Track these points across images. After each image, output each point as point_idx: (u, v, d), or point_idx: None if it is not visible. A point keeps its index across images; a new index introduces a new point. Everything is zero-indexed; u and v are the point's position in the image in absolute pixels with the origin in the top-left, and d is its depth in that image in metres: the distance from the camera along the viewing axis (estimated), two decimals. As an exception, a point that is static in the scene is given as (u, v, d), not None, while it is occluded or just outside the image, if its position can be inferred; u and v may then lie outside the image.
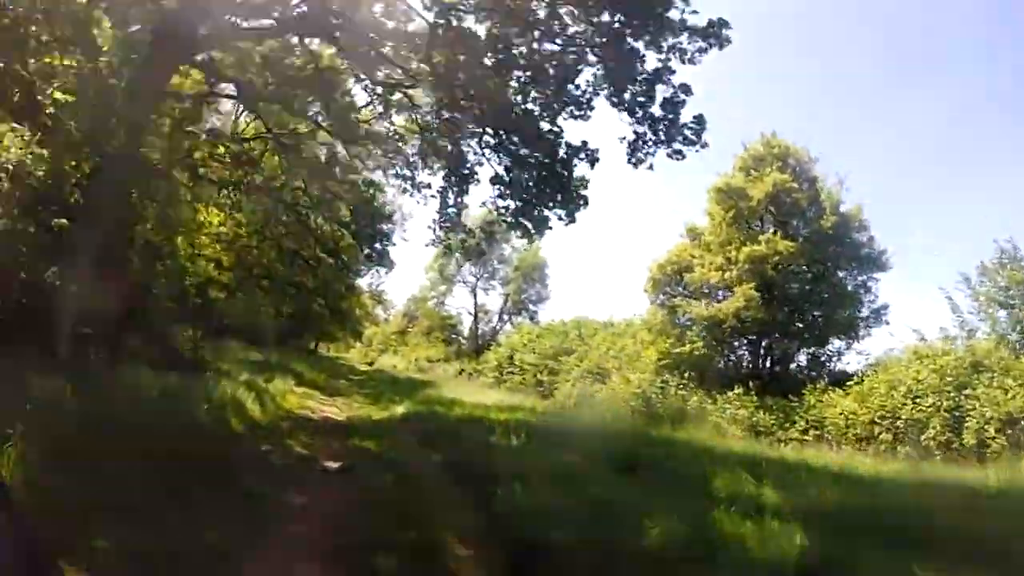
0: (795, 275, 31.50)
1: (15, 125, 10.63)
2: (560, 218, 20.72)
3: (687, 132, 17.06)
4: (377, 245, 19.79)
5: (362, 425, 16.92)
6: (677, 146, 17.12)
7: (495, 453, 11.67)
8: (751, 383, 28.31)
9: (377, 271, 60.45)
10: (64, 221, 11.28)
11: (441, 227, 21.08)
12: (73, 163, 12.60)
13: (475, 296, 65.64)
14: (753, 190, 31.75)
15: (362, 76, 20.50)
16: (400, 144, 21.12)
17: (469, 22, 17.97)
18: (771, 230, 31.74)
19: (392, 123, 21.58)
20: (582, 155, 19.31)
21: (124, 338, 16.70)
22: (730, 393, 28.26)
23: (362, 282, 63.53)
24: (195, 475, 7.53)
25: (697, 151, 17.40)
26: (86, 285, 13.55)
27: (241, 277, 44.39)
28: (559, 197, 20.05)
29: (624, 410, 29.91)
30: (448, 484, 10.09)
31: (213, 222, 21.46)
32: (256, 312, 49.98)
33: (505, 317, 65.43)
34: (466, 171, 20.99)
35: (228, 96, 21.10)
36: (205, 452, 8.68)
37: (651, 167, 17.68)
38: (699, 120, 17.11)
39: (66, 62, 11.50)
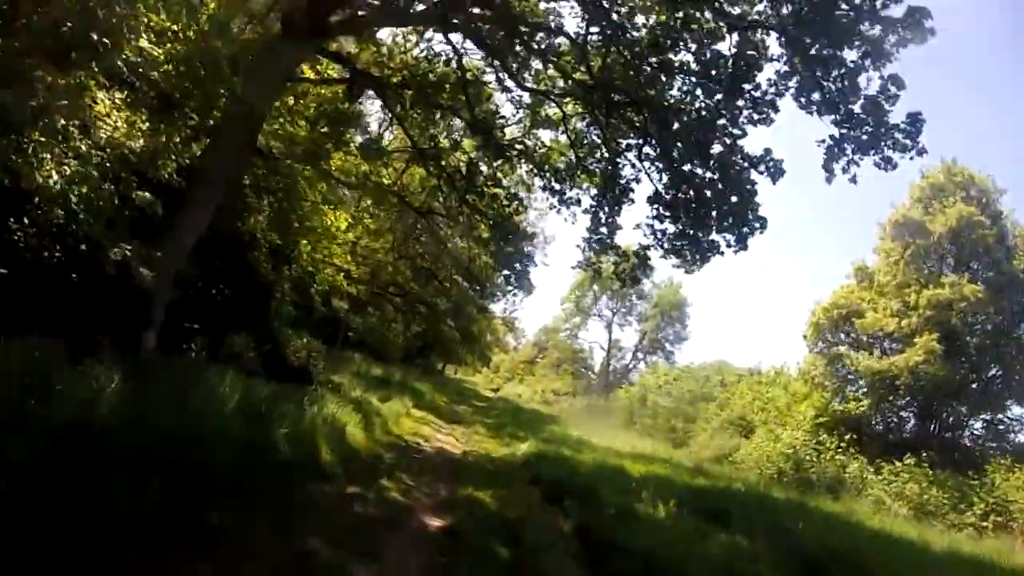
0: (977, 327, 26.79)
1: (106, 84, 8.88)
2: (729, 244, 17.71)
3: (898, 135, 13.64)
4: (516, 266, 17.45)
5: (479, 464, 14.39)
6: (887, 152, 13.72)
7: (642, 530, 8.80)
8: (921, 452, 23.88)
9: (513, 296, 58.87)
10: (153, 198, 9.43)
11: (591, 247, 18.38)
12: (177, 139, 10.85)
13: (610, 331, 62.70)
14: (933, 224, 27.36)
15: (509, 84, 18.32)
16: (548, 157, 18.67)
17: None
18: (951, 272, 27.21)
19: (539, 138, 19.24)
20: (762, 167, 16.24)
21: (230, 338, 15.13)
22: (897, 463, 23.93)
23: (496, 307, 62.26)
24: (228, 525, 5.21)
25: (912, 158, 13.91)
26: (181, 274, 11.98)
27: (373, 291, 43.74)
28: (730, 219, 17.03)
29: (769, 470, 26.18)
30: (582, 570, 7.33)
31: (341, 226, 19.72)
32: (386, 328, 49.49)
33: (639, 355, 62.03)
34: (621, 186, 18.34)
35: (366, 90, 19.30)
36: (257, 493, 6.36)
37: (854, 179, 14.40)
38: (914, 120, 13.64)
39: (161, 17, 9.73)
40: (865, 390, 26.48)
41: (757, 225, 16.75)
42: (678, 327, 60.04)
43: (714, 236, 17.67)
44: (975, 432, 27.99)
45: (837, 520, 15.05)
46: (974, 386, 26.29)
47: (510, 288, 20.02)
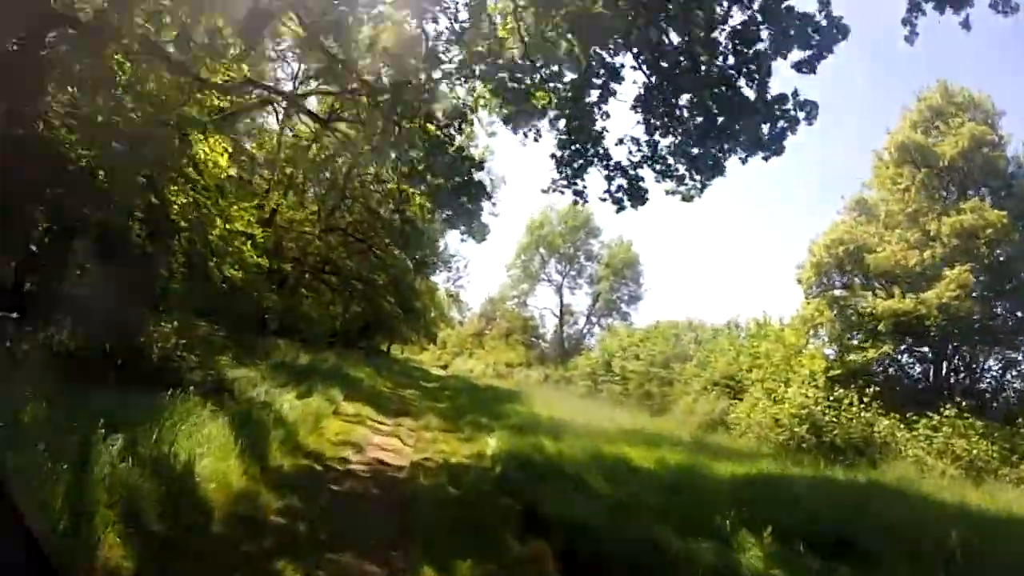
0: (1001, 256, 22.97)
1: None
2: (742, 160, 13.09)
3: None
4: (463, 201, 12.54)
5: (435, 490, 9.21)
6: None
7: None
8: (960, 402, 19.94)
9: (454, 266, 53.85)
10: None
11: (566, 164, 13.34)
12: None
13: (560, 296, 58.01)
14: (942, 146, 23.30)
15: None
16: (499, 46, 13.41)
17: None
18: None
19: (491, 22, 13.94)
20: (786, 49, 11.52)
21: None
22: (933, 416, 19.89)
23: (438, 279, 57.31)
24: None
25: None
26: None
27: (304, 271, 38.20)
28: (749, 123, 12.27)
29: (780, 435, 21.98)
30: None
31: (220, 162, 14.22)
32: (322, 310, 44.37)
33: (593, 319, 57.55)
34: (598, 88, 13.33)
35: None
36: None
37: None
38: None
39: None
40: (883, 335, 22.23)
41: (784, 128, 12.10)
42: (632, 287, 55.94)
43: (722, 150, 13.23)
44: (994, 375, 24.27)
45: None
46: (1010, 324, 22.38)
47: (458, 224, 15.04)
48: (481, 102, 14.15)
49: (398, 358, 65.15)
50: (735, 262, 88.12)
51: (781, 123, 11.85)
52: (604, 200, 13.15)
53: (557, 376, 45.19)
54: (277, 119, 30.10)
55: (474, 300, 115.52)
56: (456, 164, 13.16)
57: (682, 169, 13.95)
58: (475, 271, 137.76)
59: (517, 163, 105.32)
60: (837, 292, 23.80)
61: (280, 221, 34.36)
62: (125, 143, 11.38)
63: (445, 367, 69.55)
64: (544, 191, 13.33)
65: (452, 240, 54.60)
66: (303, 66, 23.52)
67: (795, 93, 11.72)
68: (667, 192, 14.62)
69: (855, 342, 23.02)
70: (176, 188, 13.10)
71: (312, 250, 38.86)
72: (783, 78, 46.06)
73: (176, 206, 13.13)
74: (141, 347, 10.35)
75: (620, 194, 13.05)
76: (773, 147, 12.40)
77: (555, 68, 13.02)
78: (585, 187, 13.42)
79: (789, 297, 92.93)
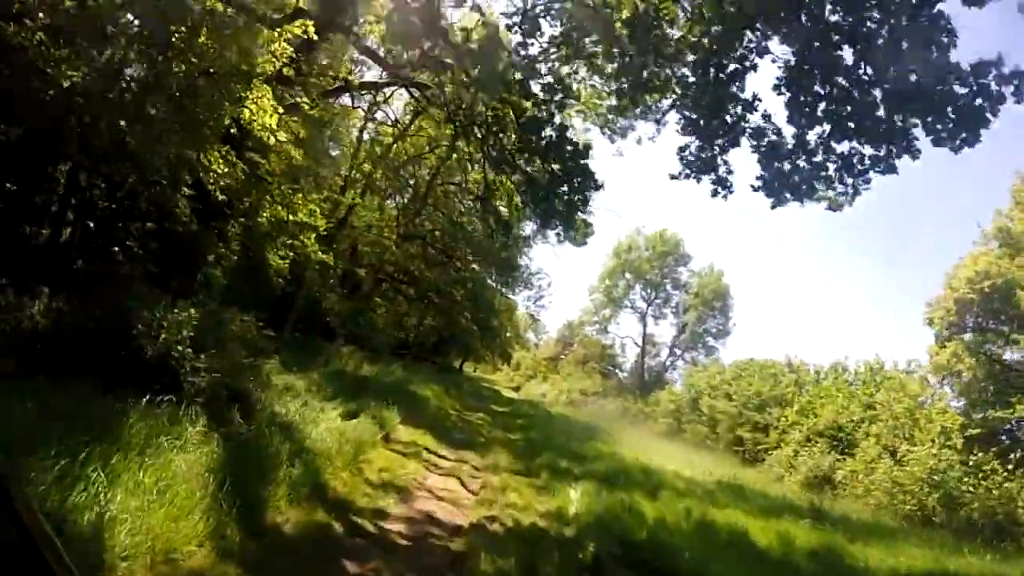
0: None
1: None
2: (914, 156, 10.10)
3: None
4: (563, 192, 9.81)
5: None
6: None
7: None
8: None
9: (535, 284, 51.25)
10: None
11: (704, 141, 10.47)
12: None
13: (644, 324, 54.43)
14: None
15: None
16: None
17: None
18: None
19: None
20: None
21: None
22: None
23: (518, 299, 54.94)
24: None
25: None
26: None
27: (378, 278, 36.46)
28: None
29: (905, 504, 18.42)
30: None
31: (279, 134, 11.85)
32: (396, 320, 42.72)
33: (678, 351, 53.66)
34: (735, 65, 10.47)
35: None
36: None
37: None
38: None
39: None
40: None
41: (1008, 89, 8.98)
42: (720, 319, 51.84)
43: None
44: None
45: None
46: None
47: (553, 230, 12.42)
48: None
49: (470, 376, 63.03)
50: (836, 301, 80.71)
51: (978, 99, 8.71)
52: (758, 189, 10.18)
53: (636, 410, 41.80)
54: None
55: (552, 323, 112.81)
56: (558, 145, 10.42)
57: (831, 169, 10.99)
58: (556, 293, 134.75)
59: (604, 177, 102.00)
60: (969, 336, 19.82)
61: (356, 223, 32.56)
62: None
63: (517, 389, 67.01)
64: (673, 176, 10.42)
65: (536, 255, 52.14)
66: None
67: (999, 61, 8.57)
68: (816, 199, 11.65)
69: (995, 396, 19.11)
70: (217, 156, 10.77)
71: (389, 257, 37.02)
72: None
73: (214, 174, 10.77)
74: (133, 335, 7.87)
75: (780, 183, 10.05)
76: (966, 132, 9.23)
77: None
78: (730, 172, 10.48)
79: (901, 342, 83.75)
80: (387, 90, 26.07)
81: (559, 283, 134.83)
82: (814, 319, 78.37)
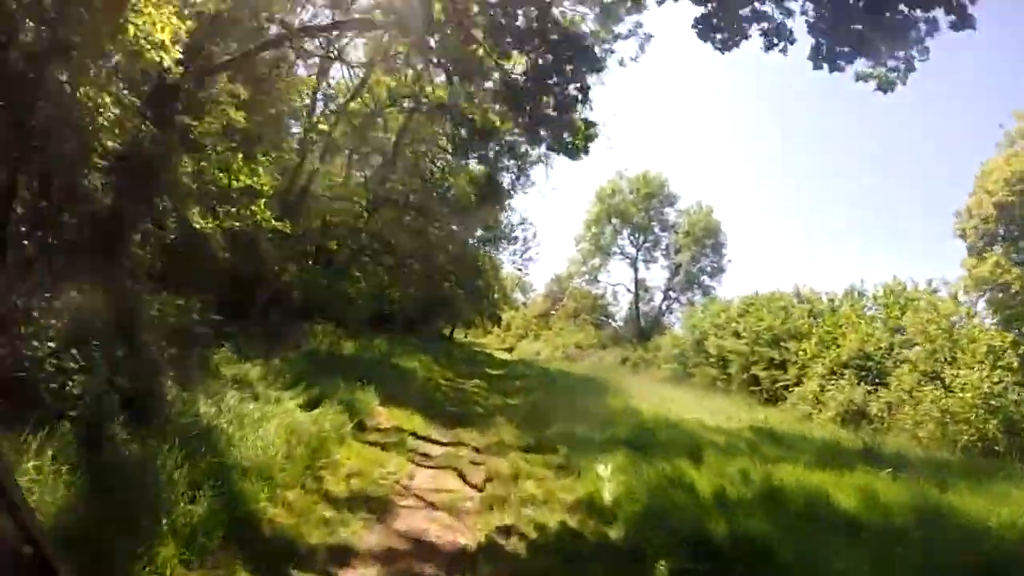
0: None
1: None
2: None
3: None
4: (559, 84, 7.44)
5: None
6: None
7: None
8: None
9: (520, 236, 48.78)
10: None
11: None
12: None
13: (635, 270, 51.90)
14: None
15: None
16: None
17: None
18: None
19: None
20: None
21: None
22: None
23: (503, 256, 52.58)
24: None
25: None
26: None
27: (353, 250, 33.95)
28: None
29: (962, 435, 16.38)
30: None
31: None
32: (375, 292, 40.12)
33: (672, 294, 51.34)
34: None
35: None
36: None
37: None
38: None
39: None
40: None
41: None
42: (713, 258, 49.39)
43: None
44: None
45: None
46: None
47: (541, 143, 10.07)
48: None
49: (461, 342, 59.06)
50: (839, 228, 75.53)
51: None
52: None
53: (636, 358, 39.60)
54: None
55: (541, 278, 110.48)
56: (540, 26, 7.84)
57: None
58: (542, 244, 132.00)
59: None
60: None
61: (322, 192, 29.83)
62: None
63: (510, 350, 65.06)
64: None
65: (521, 204, 49.32)
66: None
67: None
68: (857, 78, 9.24)
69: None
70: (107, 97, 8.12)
71: (362, 226, 34.41)
72: None
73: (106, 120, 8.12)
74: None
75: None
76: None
77: None
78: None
79: (911, 265, 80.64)
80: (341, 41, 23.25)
81: (545, 235, 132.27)
82: (814, 249, 73.05)
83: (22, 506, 1.55)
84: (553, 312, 74.30)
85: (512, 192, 44.82)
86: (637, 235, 50.74)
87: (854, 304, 25.77)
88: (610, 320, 62.66)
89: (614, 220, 50.07)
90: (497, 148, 23.35)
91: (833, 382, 22.22)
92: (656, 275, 62.62)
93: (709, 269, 49.19)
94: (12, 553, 1.47)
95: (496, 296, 67.01)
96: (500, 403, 16.37)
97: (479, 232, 45.39)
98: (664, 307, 51.19)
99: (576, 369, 34.47)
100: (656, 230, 50.96)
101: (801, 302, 29.00)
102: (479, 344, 63.83)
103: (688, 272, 49.20)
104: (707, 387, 29.14)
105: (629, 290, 52.27)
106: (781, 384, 25.26)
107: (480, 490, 7.63)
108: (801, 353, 25.04)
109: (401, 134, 33.13)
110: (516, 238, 51.12)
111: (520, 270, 47.80)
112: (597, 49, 12.47)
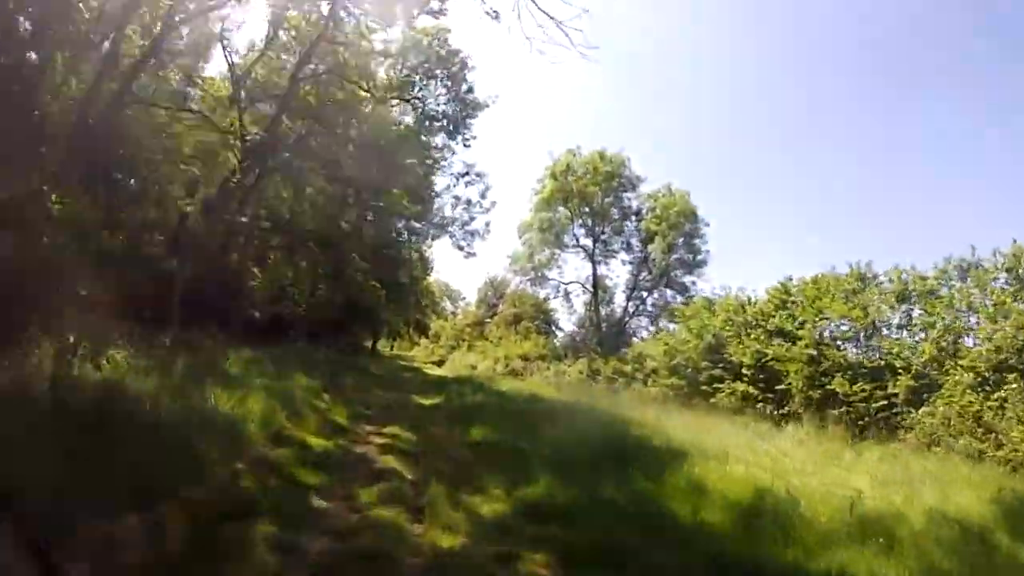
0: None
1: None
2: None
3: None
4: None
5: None
6: None
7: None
8: None
9: (455, 219, 38.27)
10: None
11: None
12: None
13: (593, 264, 41.80)
14: None
15: None
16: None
17: None
18: None
19: None
20: None
21: None
22: None
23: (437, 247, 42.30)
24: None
25: None
26: None
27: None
28: None
29: None
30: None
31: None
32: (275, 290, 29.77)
33: (642, 293, 41.43)
34: None
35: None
36: None
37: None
38: None
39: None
40: None
41: None
42: (687, 250, 39.69)
43: None
44: None
45: None
46: None
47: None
48: None
49: (387, 355, 51.25)
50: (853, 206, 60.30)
51: None
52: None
53: (610, 371, 29.68)
54: None
55: (473, 282, 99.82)
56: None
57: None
58: (494, 213, 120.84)
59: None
60: None
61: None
62: None
63: (441, 363, 54.38)
64: None
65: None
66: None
67: None
68: None
69: None
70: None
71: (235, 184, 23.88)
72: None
73: None
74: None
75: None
76: None
77: None
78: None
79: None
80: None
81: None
82: (814, 232, 60.48)
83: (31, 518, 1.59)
84: (488, 320, 63.76)
85: (445, 151, 34.47)
86: (596, 223, 40.89)
87: (980, 279, 16.29)
88: (555, 327, 52.92)
89: (570, 203, 39.98)
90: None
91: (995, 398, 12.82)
92: (616, 272, 52.87)
93: (685, 263, 39.54)
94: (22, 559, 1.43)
95: (424, 302, 56.24)
96: (444, 461, 6.36)
97: (403, 215, 34.84)
98: (630, 308, 41.27)
99: (534, 389, 24.24)
100: (615, 216, 41.20)
101: (863, 283, 19.49)
102: (405, 357, 53.43)
103: (659, 266, 39.51)
104: (735, 410, 19.44)
105: (587, 289, 42.21)
106: (882, 405, 15.62)
107: None
108: (920, 353, 15.57)
109: (299, 65, 22.94)
110: (458, 202, 38.94)
111: (463, 248, 36.58)
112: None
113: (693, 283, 39.13)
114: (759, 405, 19.24)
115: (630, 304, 40.68)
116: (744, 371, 20.52)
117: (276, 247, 31.37)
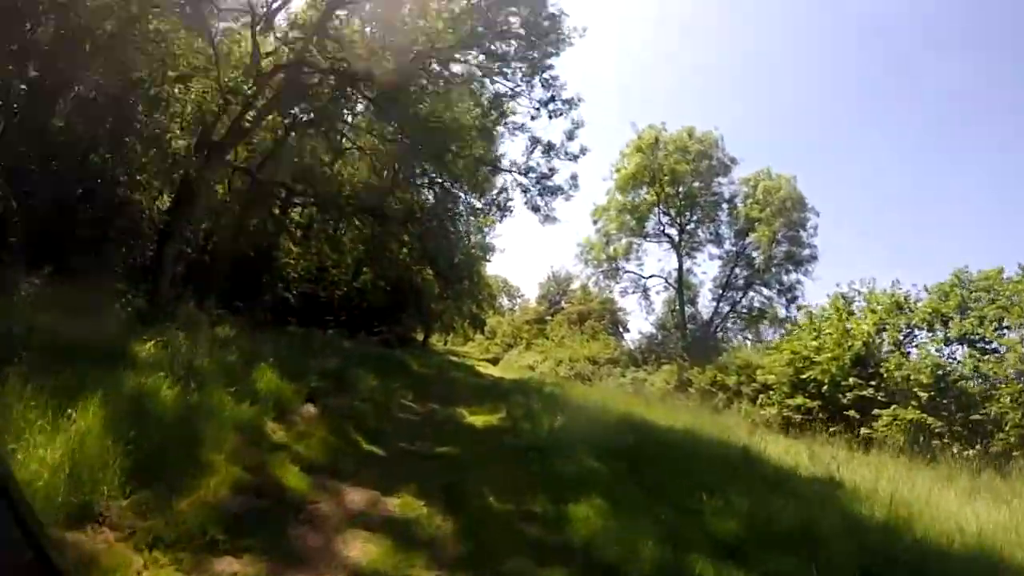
0: None
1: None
2: None
3: None
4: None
5: None
6: None
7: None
8: None
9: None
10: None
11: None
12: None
13: (680, 258, 35.92)
14: None
15: None
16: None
17: None
18: None
19: None
20: None
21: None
22: None
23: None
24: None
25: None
26: None
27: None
28: None
29: None
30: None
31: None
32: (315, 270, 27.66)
33: (734, 294, 35.18)
34: None
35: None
36: None
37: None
38: None
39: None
40: None
41: None
42: (793, 244, 33.30)
43: None
44: None
45: None
46: None
47: None
48: None
49: (436, 349, 47.12)
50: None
51: None
52: None
53: (703, 381, 24.10)
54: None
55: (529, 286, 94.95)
56: None
57: None
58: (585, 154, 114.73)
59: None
60: None
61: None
62: None
63: (495, 361, 49.65)
64: None
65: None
66: None
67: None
68: None
69: None
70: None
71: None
72: None
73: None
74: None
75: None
76: None
77: None
78: None
79: None
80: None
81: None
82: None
83: (26, 509, 1.44)
84: (549, 317, 58.38)
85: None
86: (683, 209, 35.01)
87: None
88: (623, 329, 47.28)
89: (656, 184, 34.11)
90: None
91: None
92: (702, 267, 46.31)
93: (791, 257, 33.15)
94: (13, 555, 1.33)
95: (480, 294, 51.23)
96: None
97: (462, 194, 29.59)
98: (722, 308, 35.06)
99: (618, 402, 18.72)
100: (705, 203, 35.15)
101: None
102: (458, 352, 49.70)
103: (761, 261, 33.30)
104: (899, 447, 13.70)
105: (669, 285, 36.35)
106: None
107: None
108: None
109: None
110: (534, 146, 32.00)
111: (539, 209, 28.41)
112: None
113: (797, 282, 32.82)
114: (939, 441, 13.49)
115: (721, 303, 34.51)
116: (918, 391, 14.73)
117: (312, 219, 26.83)
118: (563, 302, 62.39)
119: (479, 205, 31.58)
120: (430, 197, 28.07)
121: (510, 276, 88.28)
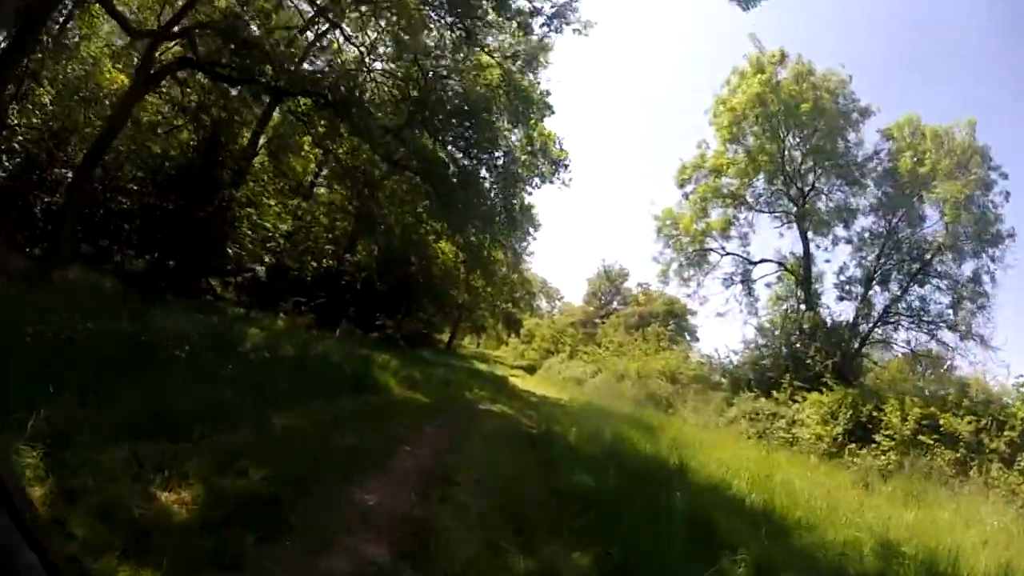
0: None
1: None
2: None
3: None
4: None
5: None
6: None
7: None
8: None
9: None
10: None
11: None
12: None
13: (805, 237, 24.79)
14: None
15: None
16: None
17: None
18: None
19: None
20: None
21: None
22: None
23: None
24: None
25: None
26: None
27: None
28: None
29: None
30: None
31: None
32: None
33: (891, 286, 23.64)
34: None
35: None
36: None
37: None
38: None
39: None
40: None
41: None
42: (968, 217, 22.15)
43: None
44: None
45: None
46: None
47: None
48: None
49: (464, 352, 41.62)
50: None
51: None
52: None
53: (903, 428, 13.79)
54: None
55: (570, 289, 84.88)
56: None
57: None
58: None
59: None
60: None
61: None
62: None
63: (531, 370, 42.69)
64: None
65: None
66: None
67: None
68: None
69: None
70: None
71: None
72: None
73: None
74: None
75: None
76: None
77: None
78: None
79: None
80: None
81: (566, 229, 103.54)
82: None
83: (26, 508, 1.32)
84: (600, 320, 47.96)
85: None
86: (809, 164, 24.48)
87: None
88: (691, 336, 37.00)
89: (783, 124, 23.53)
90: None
91: None
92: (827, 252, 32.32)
93: (972, 235, 22.12)
94: (13, 555, 1.24)
95: (516, 293, 41.36)
96: None
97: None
98: (875, 310, 23.71)
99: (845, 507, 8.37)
100: (838, 163, 24.42)
101: None
102: (488, 357, 43.33)
103: (946, 238, 22.07)
104: None
105: (788, 273, 25.61)
106: None
107: None
108: None
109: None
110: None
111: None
112: None
113: (986, 270, 21.88)
114: None
115: (862, 302, 23.49)
116: None
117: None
118: (615, 302, 52.08)
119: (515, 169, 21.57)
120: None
121: (550, 276, 78.34)
